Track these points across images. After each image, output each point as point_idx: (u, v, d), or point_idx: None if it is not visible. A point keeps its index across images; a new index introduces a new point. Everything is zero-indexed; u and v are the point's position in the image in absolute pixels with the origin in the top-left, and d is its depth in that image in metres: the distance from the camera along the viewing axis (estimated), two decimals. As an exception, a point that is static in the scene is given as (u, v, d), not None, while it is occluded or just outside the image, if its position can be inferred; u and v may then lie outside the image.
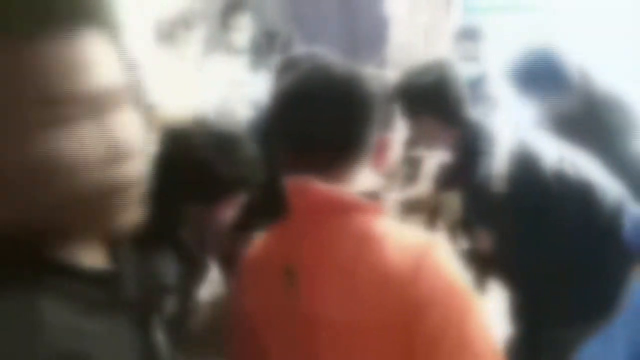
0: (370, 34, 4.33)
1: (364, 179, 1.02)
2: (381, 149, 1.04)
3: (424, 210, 2.40)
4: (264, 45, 4.15)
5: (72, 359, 0.58)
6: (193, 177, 1.13)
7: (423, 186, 2.62)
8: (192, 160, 1.13)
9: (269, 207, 1.10)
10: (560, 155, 1.79)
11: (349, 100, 0.98)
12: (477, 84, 3.50)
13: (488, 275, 1.96)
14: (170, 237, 1.18)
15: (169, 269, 1.19)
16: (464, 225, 2.08)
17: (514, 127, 1.84)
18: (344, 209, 0.97)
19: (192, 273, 1.24)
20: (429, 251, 0.93)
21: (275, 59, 3.78)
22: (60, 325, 0.59)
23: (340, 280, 0.94)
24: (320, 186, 0.98)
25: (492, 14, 4.40)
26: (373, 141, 1.02)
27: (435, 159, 2.33)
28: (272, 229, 1.08)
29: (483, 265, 1.87)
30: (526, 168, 1.72)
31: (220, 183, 1.14)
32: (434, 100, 1.77)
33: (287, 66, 1.86)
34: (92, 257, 0.69)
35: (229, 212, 1.17)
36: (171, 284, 1.20)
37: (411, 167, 2.86)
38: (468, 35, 4.00)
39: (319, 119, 0.98)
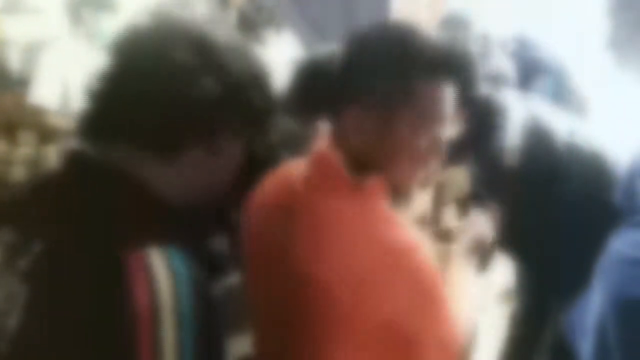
0: (371, 12, 4.32)
1: None
2: None
3: (430, 185, 2.42)
4: (253, 20, 4.11)
5: None
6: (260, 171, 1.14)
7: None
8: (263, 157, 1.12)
9: None
10: (572, 128, 1.82)
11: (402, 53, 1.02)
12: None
13: (496, 247, 1.99)
14: (226, 219, 1.21)
15: (222, 250, 1.23)
16: (472, 199, 2.10)
17: (525, 101, 1.87)
18: (346, 189, 1.02)
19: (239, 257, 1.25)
20: (420, 243, 1.01)
21: (263, 33, 3.75)
22: None
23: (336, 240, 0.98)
24: (333, 160, 1.03)
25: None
26: None
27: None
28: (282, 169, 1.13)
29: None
30: (539, 141, 1.74)
31: None
32: None
33: (312, 66, 1.72)
34: None
35: None
36: (223, 265, 1.23)
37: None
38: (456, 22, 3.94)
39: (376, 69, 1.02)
